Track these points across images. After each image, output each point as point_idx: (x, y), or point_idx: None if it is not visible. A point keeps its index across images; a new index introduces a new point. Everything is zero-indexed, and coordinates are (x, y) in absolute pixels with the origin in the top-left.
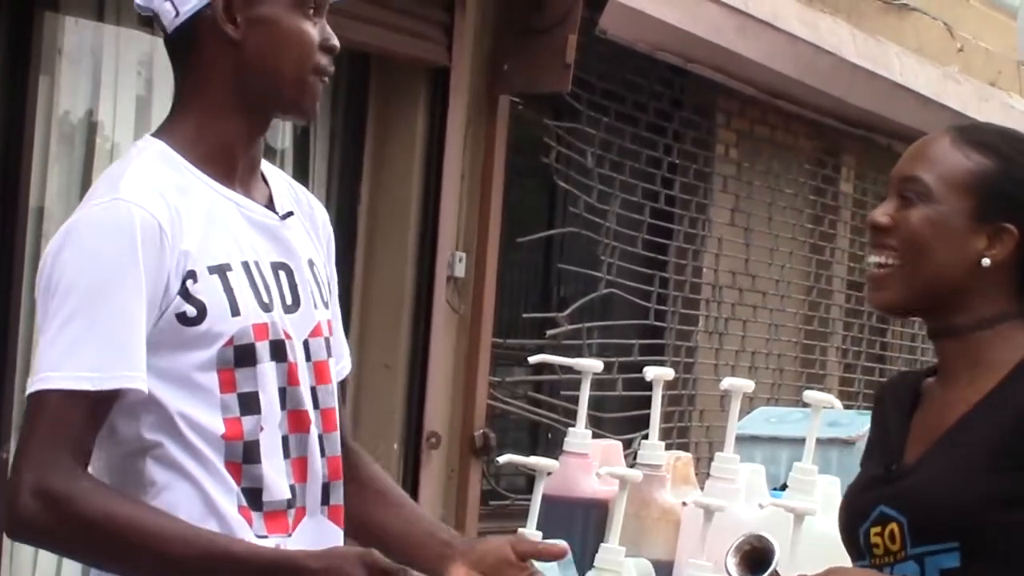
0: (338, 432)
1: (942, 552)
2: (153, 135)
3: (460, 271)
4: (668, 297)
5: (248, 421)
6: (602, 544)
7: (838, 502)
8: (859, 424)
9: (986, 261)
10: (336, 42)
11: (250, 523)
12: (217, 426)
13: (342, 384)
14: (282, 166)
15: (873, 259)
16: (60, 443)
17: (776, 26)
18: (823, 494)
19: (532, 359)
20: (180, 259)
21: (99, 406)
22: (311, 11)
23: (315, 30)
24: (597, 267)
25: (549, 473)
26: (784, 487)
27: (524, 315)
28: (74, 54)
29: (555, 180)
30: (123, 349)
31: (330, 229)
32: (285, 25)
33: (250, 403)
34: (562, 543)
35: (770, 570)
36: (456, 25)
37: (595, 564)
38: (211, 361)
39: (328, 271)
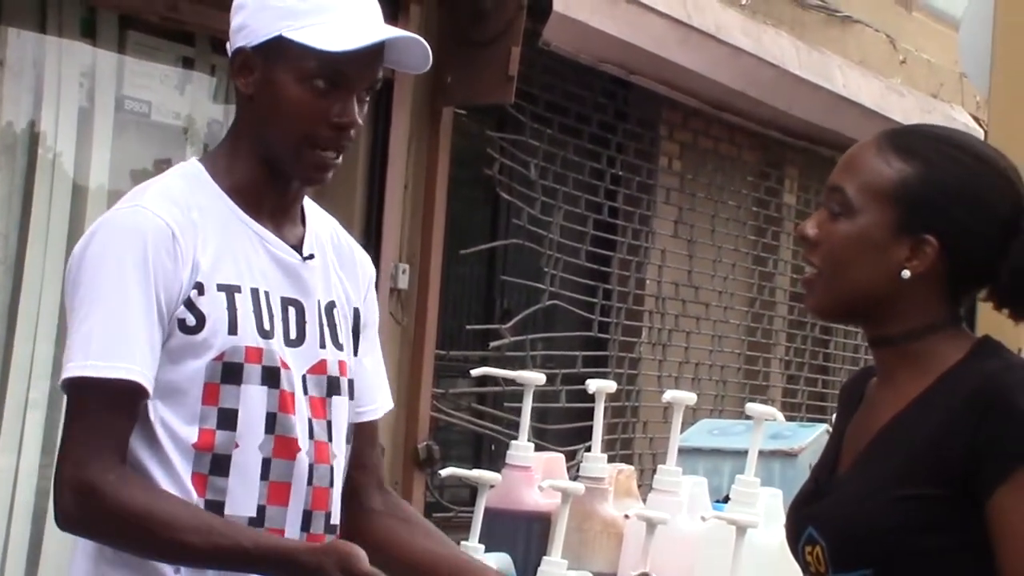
0: (331, 466)
1: None
2: (199, 159)
3: (403, 283)
4: (611, 309)
5: (222, 435)
6: (544, 557)
7: (780, 514)
8: (802, 436)
9: (906, 273)
10: (348, 119)
11: None
12: (191, 434)
13: (369, 425)
14: None
15: (806, 268)
16: (93, 437)
17: (719, 38)
18: (765, 506)
19: (475, 372)
20: (192, 270)
21: (120, 398)
22: (321, 85)
23: (323, 104)
24: (540, 279)
25: (492, 486)
26: (727, 499)
27: (467, 327)
28: (16, 65)
29: (498, 192)
30: (121, 342)
31: (371, 273)
32: (287, 92)
33: (228, 419)
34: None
35: None
36: None
37: None
38: (200, 372)
39: (365, 315)
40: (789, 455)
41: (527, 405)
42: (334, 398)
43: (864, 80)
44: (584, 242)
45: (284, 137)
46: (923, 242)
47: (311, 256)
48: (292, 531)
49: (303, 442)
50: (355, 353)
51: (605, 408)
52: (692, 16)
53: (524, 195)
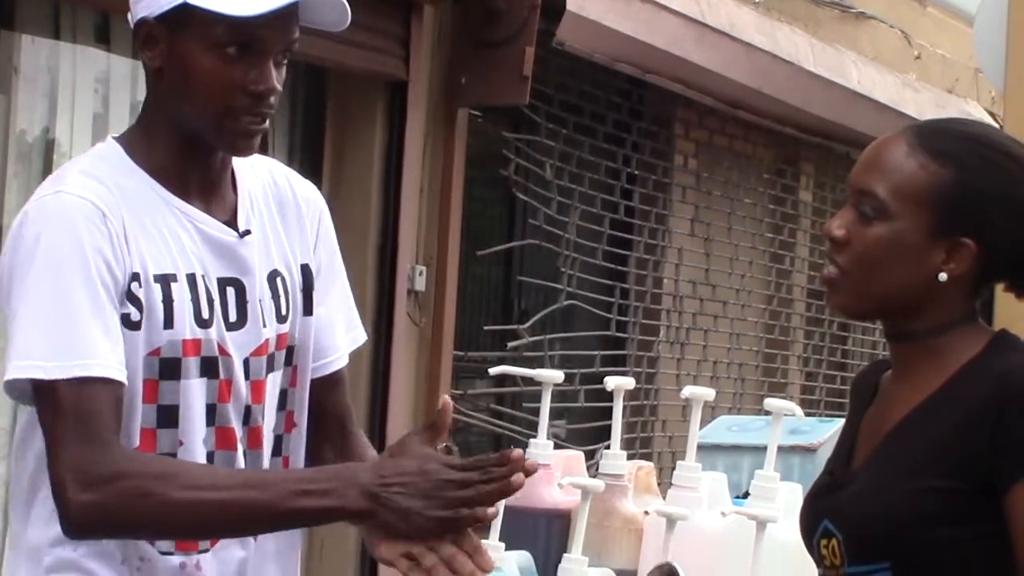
0: (263, 451)
1: (875, 572)
2: (115, 137)
3: (420, 284)
4: (629, 308)
5: (164, 435)
6: (565, 554)
7: (800, 509)
8: (820, 431)
9: (943, 276)
10: (265, 86)
11: (152, 543)
12: (133, 438)
13: (334, 375)
14: None
15: (828, 267)
16: (85, 428)
17: (733, 36)
18: (785, 501)
19: (493, 370)
20: (127, 255)
21: (99, 392)
22: (232, 52)
23: (237, 71)
24: (557, 279)
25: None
26: (746, 495)
27: (485, 328)
28: (30, 72)
29: (514, 192)
30: (80, 338)
31: (320, 208)
32: (197, 63)
33: (170, 416)
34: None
35: None
36: (413, 39)
37: (558, 575)
38: (138, 369)
39: (317, 264)
40: (808, 450)
41: (546, 403)
42: (269, 376)
43: (879, 76)
44: (601, 241)
45: (200, 110)
46: (960, 245)
47: (248, 231)
48: None
49: (238, 431)
50: (308, 313)
51: (624, 407)
52: (706, 14)
53: (540, 195)
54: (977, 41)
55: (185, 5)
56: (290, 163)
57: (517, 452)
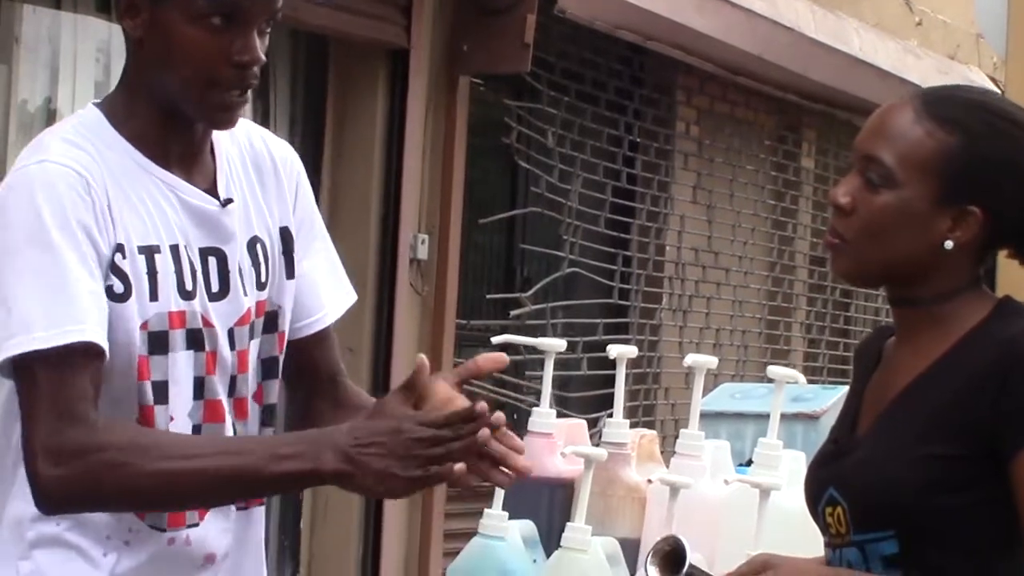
0: (249, 420)
1: (881, 540)
2: (95, 103)
3: (423, 253)
4: (631, 275)
5: (159, 411)
6: (568, 523)
7: (803, 477)
8: (823, 398)
9: (949, 244)
10: (250, 56)
11: (142, 517)
12: (132, 414)
13: (320, 333)
14: None
15: (830, 236)
16: (60, 402)
17: (734, 2)
18: (788, 469)
19: (495, 339)
20: (111, 225)
21: (77, 361)
22: (217, 22)
23: (221, 42)
24: (560, 247)
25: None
26: (750, 463)
27: (488, 296)
28: (31, 42)
29: (516, 160)
30: (63, 305)
31: (297, 168)
32: (178, 33)
33: (162, 392)
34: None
35: (686, 568)
36: (415, 6)
37: (562, 543)
38: (132, 343)
39: (297, 226)
40: (811, 417)
41: (548, 372)
42: (251, 344)
43: (880, 42)
44: (603, 209)
45: (182, 81)
46: (966, 213)
47: (229, 200)
48: None
49: (225, 403)
50: (290, 276)
51: (627, 375)
52: None
53: (542, 163)
54: (979, 6)
55: None
56: (292, 132)
57: (482, 406)
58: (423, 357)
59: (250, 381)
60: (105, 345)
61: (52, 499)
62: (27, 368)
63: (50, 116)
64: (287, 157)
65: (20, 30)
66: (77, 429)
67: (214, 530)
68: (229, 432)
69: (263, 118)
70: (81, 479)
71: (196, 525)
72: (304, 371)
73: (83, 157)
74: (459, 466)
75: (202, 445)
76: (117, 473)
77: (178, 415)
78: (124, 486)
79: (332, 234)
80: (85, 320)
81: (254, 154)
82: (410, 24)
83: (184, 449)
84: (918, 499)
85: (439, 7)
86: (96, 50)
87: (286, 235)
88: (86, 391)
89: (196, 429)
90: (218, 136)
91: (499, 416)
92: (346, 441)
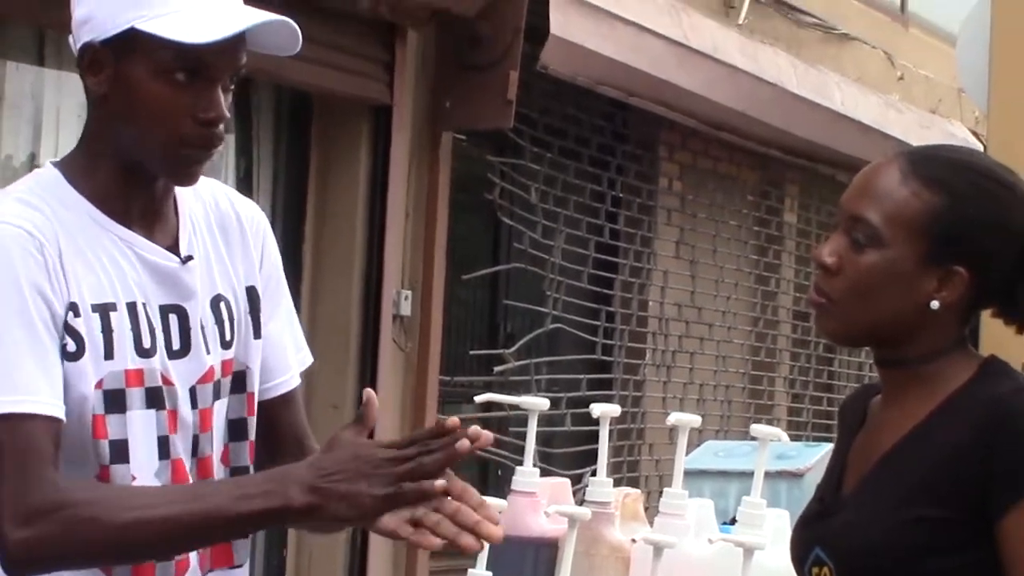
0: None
1: None
2: (53, 163)
3: (406, 309)
4: (615, 331)
5: (117, 471)
6: None
7: (787, 535)
8: (807, 456)
9: (935, 304)
10: (215, 113)
11: (108, 573)
12: (93, 469)
13: (287, 395)
14: None
15: (814, 292)
16: (22, 467)
17: (717, 58)
18: (772, 528)
19: (479, 398)
20: (65, 285)
21: (35, 429)
22: (181, 78)
23: (186, 98)
24: (543, 302)
25: (498, 512)
26: (734, 521)
27: (471, 352)
28: (15, 99)
29: (499, 216)
30: (18, 374)
31: (263, 228)
32: (145, 91)
33: (120, 451)
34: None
35: None
36: (397, 63)
37: None
38: (86, 402)
39: (263, 285)
40: (795, 475)
41: (532, 431)
42: (216, 403)
43: (862, 97)
44: (586, 265)
45: (146, 138)
46: (952, 273)
47: (190, 257)
48: (196, 555)
49: (187, 462)
50: (256, 336)
51: (611, 431)
52: (689, 36)
53: (525, 219)
54: (960, 62)
55: (133, 29)
56: (275, 188)
57: (452, 420)
58: (370, 390)
59: (215, 441)
60: (60, 413)
61: (21, 561)
62: None
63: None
64: (253, 216)
65: (4, 87)
66: (41, 489)
67: None
68: None
69: (246, 174)
70: (49, 538)
71: None
72: (270, 434)
73: (36, 217)
74: (439, 483)
75: (167, 493)
76: (85, 528)
77: (142, 475)
78: (93, 540)
79: (315, 290)
80: (39, 391)
81: (219, 214)
82: (393, 81)
83: (149, 498)
84: (905, 562)
85: (422, 64)
86: (78, 106)
87: (252, 294)
88: (47, 453)
89: None
90: (182, 194)
91: (475, 430)
92: (310, 474)
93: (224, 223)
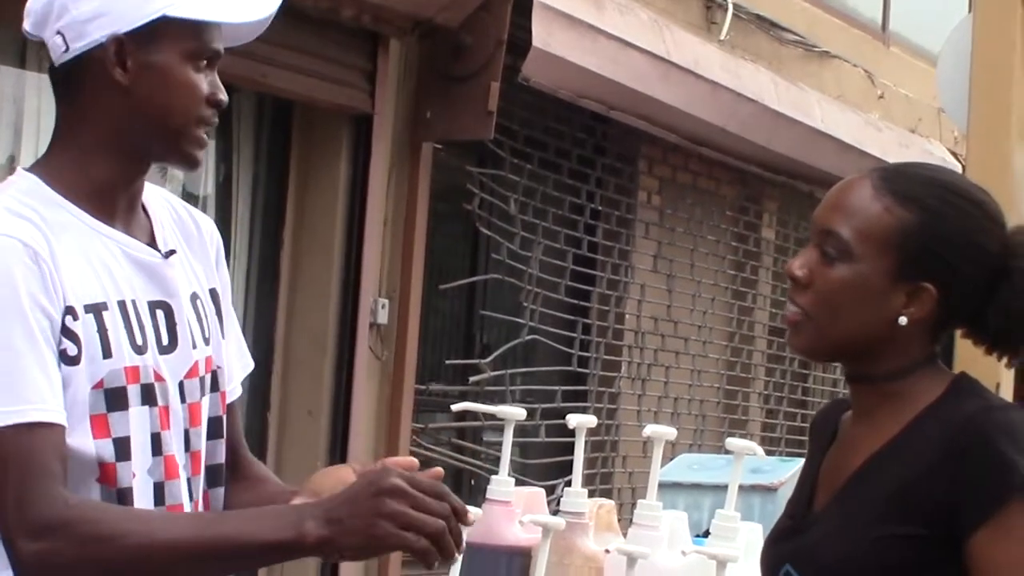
0: (201, 478)
1: None
2: (27, 169)
3: (383, 317)
4: (591, 343)
5: (122, 468)
6: None
7: (760, 549)
8: (781, 471)
9: (903, 320)
10: (224, 96)
11: None
12: (93, 473)
13: (235, 403)
14: (204, 211)
15: (789, 307)
16: (28, 478)
17: (698, 73)
18: (745, 541)
19: (455, 407)
20: (60, 291)
21: (41, 438)
22: (203, 63)
23: (204, 82)
24: (520, 314)
25: (472, 521)
26: (707, 534)
27: (447, 361)
28: None
29: (478, 227)
30: (21, 382)
31: (218, 239)
32: (175, 75)
33: (124, 449)
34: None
35: None
36: (379, 72)
37: None
38: (84, 403)
39: (222, 290)
40: (769, 490)
41: (508, 440)
42: (203, 399)
43: (842, 115)
44: (563, 277)
45: (178, 120)
46: (921, 289)
47: (172, 251)
48: None
49: (180, 457)
50: (224, 336)
51: (585, 442)
52: (671, 52)
53: (503, 230)
54: (940, 81)
55: (164, 17)
56: (254, 194)
57: (438, 471)
58: (415, 460)
59: (202, 436)
60: (61, 419)
61: (35, 574)
62: None
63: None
64: (210, 226)
65: None
66: (51, 504)
67: None
68: (183, 488)
69: (225, 179)
70: (62, 553)
71: None
72: None
73: (25, 226)
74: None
75: (179, 518)
76: (95, 547)
77: (139, 471)
78: (104, 558)
79: (292, 296)
80: (44, 399)
81: (179, 219)
82: (374, 90)
83: (161, 522)
84: None
85: (403, 73)
86: None
87: (215, 296)
88: (55, 465)
89: (157, 487)
90: (147, 195)
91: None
92: (327, 506)
93: (184, 228)
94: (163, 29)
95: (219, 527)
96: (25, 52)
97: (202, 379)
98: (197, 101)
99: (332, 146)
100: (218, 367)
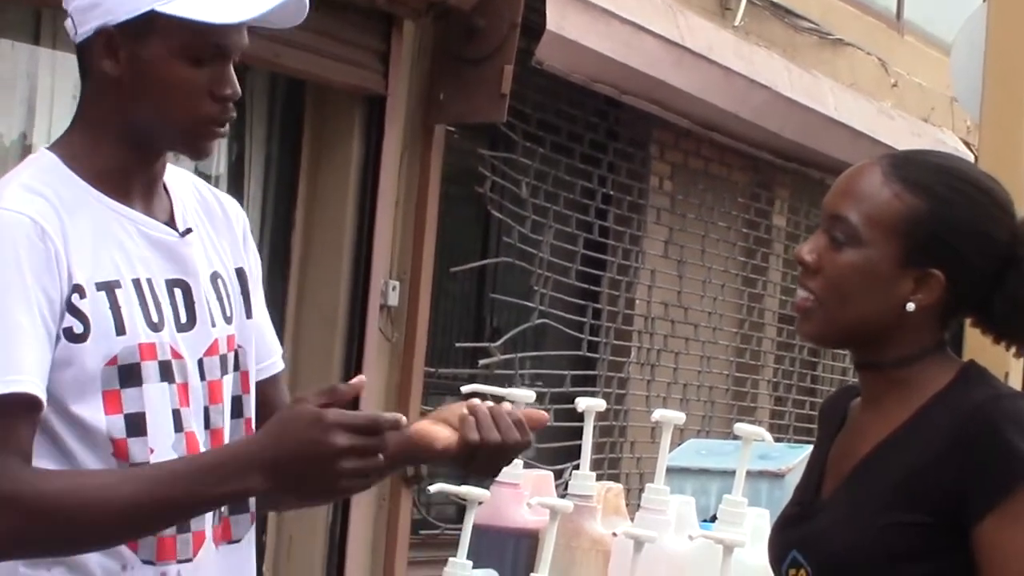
0: None
1: None
2: (48, 147)
3: (393, 300)
4: (601, 328)
5: (135, 443)
6: (532, 574)
7: (767, 534)
8: (789, 457)
9: (911, 306)
10: (231, 91)
11: (135, 549)
12: (106, 447)
13: (277, 376)
14: None
15: (800, 292)
16: None
17: (711, 59)
18: (752, 526)
19: (464, 388)
20: (68, 268)
21: (12, 412)
22: (201, 58)
23: (203, 77)
24: (530, 297)
25: (480, 503)
26: (714, 519)
27: (457, 344)
28: (9, 78)
29: (489, 210)
30: (5, 354)
31: (245, 220)
32: (164, 72)
33: (137, 424)
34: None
35: None
36: (393, 54)
37: None
38: (95, 380)
39: (249, 269)
40: (776, 476)
41: None
42: (225, 378)
43: (855, 103)
44: (574, 261)
45: (164, 117)
46: (929, 276)
47: (189, 230)
48: (207, 522)
49: (200, 434)
50: (248, 315)
51: (594, 427)
52: (685, 37)
53: (515, 213)
54: (954, 70)
55: (153, 12)
56: (267, 174)
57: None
58: (363, 378)
59: (224, 414)
60: (41, 395)
61: None
62: None
63: (26, 152)
64: (235, 207)
65: None
66: (12, 477)
67: (206, 564)
68: None
69: (238, 159)
70: (17, 529)
71: (189, 560)
72: (262, 415)
73: (38, 202)
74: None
75: (126, 478)
76: (52, 520)
77: (159, 447)
78: (59, 533)
79: (303, 277)
80: (24, 371)
81: (203, 200)
82: (388, 71)
83: (109, 490)
84: (882, 567)
85: (417, 55)
86: (73, 86)
87: (241, 275)
88: (20, 441)
89: None
90: (169, 175)
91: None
92: (269, 456)
93: (208, 208)
94: (155, 25)
95: (169, 489)
96: (39, 29)
97: (223, 357)
98: (194, 97)
99: (345, 127)
100: (240, 346)
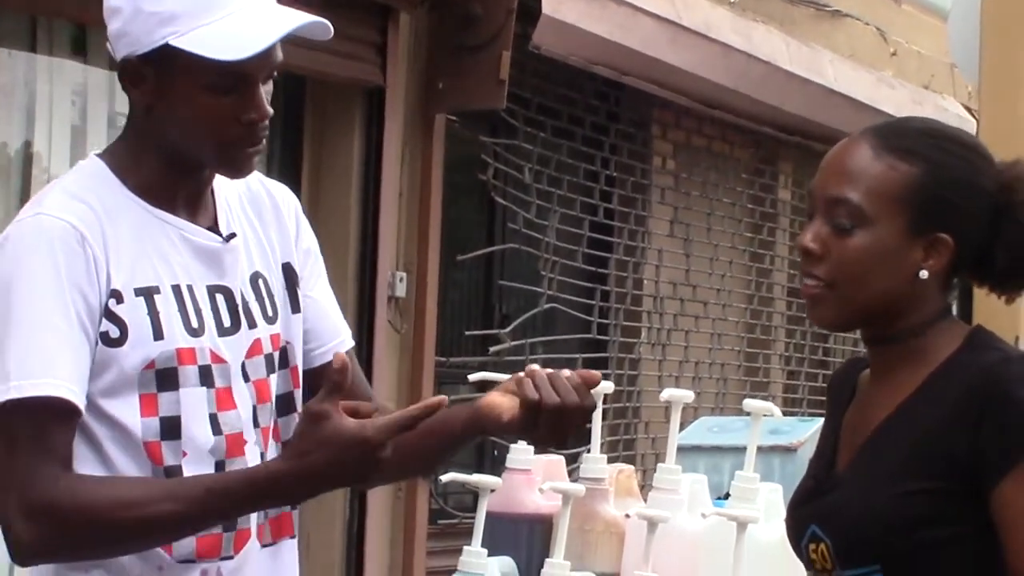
0: (271, 451)
1: (867, 574)
2: (97, 154)
3: (401, 291)
4: (610, 310)
5: (168, 447)
6: (547, 559)
7: (781, 509)
8: (801, 431)
9: (924, 274)
10: (258, 114)
11: (169, 552)
12: (139, 451)
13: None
14: None
15: (806, 280)
16: (32, 458)
17: (709, 36)
18: (765, 502)
19: (472, 377)
20: (107, 274)
21: (52, 416)
22: (225, 88)
23: (229, 104)
24: (538, 282)
25: (492, 490)
26: (727, 496)
27: (466, 333)
28: (8, 85)
29: (493, 197)
30: (44, 359)
31: (296, 205)
32: (189, 101)
33: (172, 428)
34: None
35: None
36: (390, 45)
37: None
38: (133, 383)
39: (299, 262)
40: (788, 450)
41: None
42: (271, 376)
43: (855, 74)
44: (580, 244)
45: (194, 143)
46: (937, 240)
47: (232, 235)
48: (254, 522)
49: (249, 434)
50: (295, 310)
51: (606, 409)
52: (682, 15)
53: (519, 199)
54: (952, 37)
55: (167, 46)
56: (268, 170)
57: (441, 399)
58: (342, 354)
59: (271, 412)
60: (78, 401)
61: (24, 553)
62: (10, 417)
63: (27, 159)
64: (285, 195)
65: None
66: (51, 484)
67: (250, 563)
68: (255, 463)
69: None
70: (54, 535)
71: (230, 558)
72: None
73: (80, 208)
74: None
75: (173, 494)
76: (89, 529)
77: (193, 452)
78: (95, 543)
79: None
80: (60, 376)
81: (251, 195)
82: (386, 62)
83: (155, 503)
84: (901, 535)
85: (414, 45)
86: (72, 93)
87: (289, 270)
88: (59, 446)
89: (219, 465)
90: (216, 179)
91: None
92: (296, 476)
93: (257, 203)
94: (174, 57)
95: (199, 505)
96: (36, 36)
97: (268, 356)
98: (220, 124)
99: (345, 120)
100: (287, 343)
